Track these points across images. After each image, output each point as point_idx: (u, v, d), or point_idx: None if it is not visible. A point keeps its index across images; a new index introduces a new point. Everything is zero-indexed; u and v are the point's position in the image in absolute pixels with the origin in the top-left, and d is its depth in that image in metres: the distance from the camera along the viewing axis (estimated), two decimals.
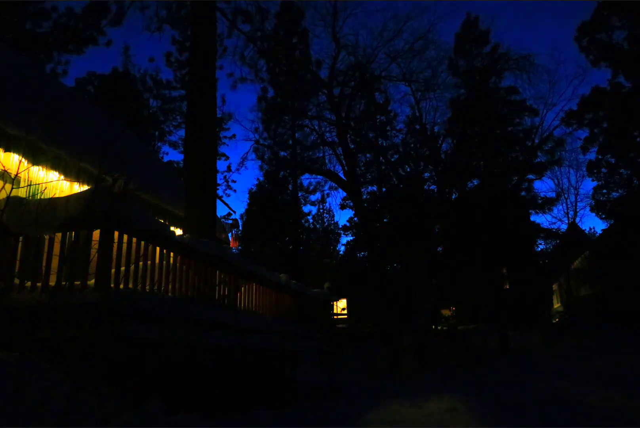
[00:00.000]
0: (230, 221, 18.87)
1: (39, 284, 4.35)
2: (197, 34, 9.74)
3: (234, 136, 31.03)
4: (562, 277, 26.27)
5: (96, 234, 4.29)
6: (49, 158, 6.68)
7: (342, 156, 18.03)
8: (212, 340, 5.40)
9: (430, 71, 18.98)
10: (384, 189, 25.29)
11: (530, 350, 15.97)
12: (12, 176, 4.90)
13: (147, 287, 4.78)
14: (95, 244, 4.23)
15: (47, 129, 6.57)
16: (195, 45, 9.72)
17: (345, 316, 27.62)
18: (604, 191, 24.49)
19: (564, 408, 6.45)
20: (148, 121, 29.26)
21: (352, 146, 19.42)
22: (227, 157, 36.71)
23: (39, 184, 6.26)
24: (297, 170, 27.14)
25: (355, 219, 28.02)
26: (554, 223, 32.77)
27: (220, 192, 28.99)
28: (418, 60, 20.00)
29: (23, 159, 6.19)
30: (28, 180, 6.23)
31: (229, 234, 13.53)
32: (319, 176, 23.26)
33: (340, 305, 27.23)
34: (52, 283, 4.31)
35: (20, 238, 4.58)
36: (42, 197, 4.78)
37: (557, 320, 24.00)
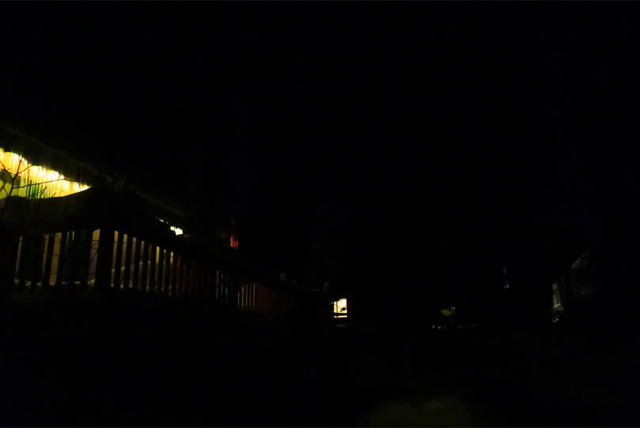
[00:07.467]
0: (232, 221, 18.82)
1: (39, 284, 4.35)
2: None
3: (234, 133, 30.93)
4: (562, 277, 26.27)
5: (96, 234, 4.28)
6: (49, 158, 6.68)
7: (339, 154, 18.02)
8: (212, 340, 5.40)
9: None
10: (383, 189, 25.23)
11: (530, 349, 15.94)
12: (12, 176, 4.91)
13: (147, 287, 4.78)
14: (95, 244, 4.23)
15: (47, 129, 6.57)
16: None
17: (345, 316, 27.56)
18: (604, 190, 24.45)
19: (564, 408, 6.44)
20: (148, 120, 29.17)
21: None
22: (227, 155, 36.62)
23: (39, 184, 6.27)
24: (297, 168, 27.09)
25: (355, 218, 28.00)
26: (554, 223, 32.71)
27: (220, 191, 28.90)
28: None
29: (23, 159, 6.19)
30: (28, 180, 6.23)
31: (230, 234, 13.53)
32: (318, 174, 23.30)
33: (341, 305, 27.20)
34: (52, 283, 4.31)
35: (20, 238, 4.58)
36: (42, 197, 4.78)
37: (557, 319, 24.00)
